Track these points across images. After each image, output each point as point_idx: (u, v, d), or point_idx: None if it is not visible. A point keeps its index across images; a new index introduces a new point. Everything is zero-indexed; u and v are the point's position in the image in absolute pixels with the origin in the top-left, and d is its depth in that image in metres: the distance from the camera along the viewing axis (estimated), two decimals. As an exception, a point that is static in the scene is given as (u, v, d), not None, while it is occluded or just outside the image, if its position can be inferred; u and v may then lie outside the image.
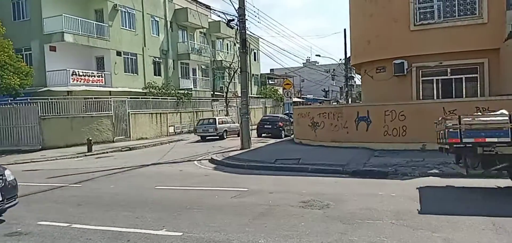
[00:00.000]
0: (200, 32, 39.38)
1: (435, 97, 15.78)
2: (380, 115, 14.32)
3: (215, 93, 39.20)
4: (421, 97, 15.97)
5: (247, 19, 17.66)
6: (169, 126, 28.89)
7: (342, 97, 67.58)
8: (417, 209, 6.61)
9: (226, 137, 24.52)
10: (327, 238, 5.37)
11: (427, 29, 15.39)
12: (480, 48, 14.57)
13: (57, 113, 21.35)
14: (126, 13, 29.91)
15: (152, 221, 6.55)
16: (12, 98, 21.20)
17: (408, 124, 13.77)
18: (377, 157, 12.44)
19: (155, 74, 32.77)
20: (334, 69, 63.54)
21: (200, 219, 6.56)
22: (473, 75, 15.39)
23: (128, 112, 24.58)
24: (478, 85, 15.29)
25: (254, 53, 49.34)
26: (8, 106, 20.93)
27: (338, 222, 6.11)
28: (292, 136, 20.76)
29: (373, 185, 8.95)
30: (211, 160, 14.42)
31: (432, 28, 15.31)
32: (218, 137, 24.09)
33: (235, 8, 17.53)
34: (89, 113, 22.67)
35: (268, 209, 7.06)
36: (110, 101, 23.76)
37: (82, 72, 26.09)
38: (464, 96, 15.27)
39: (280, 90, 46.75)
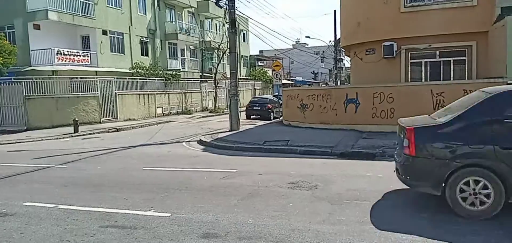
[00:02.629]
0: (188, 12, 38.80)
1: (423, 80, 15.90)
2: (368, 97, 14.37)
3: (204, 74, 38.88)
4: (409, 80, 16.07)
5: (236, -1, 17.41)
6: (157, 107, 28.63)
7: (331, 79, 67.79)
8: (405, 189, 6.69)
9: None
10: (315, 218, 5.40)
11: (417, 11, 15.39)
12: (469, 31, 14.67)
13: (42, 93, 20.94)
14: (112, -9, 29.26)
15: (140, 202, 6.51)
16: (-5, 78, 20.72)
17: (396, 106, 13.85)
18: (365, 139, 12.53)
19: (142, 54, 32.29)
20: (323, 51, 63.63)
21: (189, 200, 6.54)
22: (461, 58, 15.52)
23: (115, 93, 24.22)
24: (466, 68, 15.43)
25: (244, 34, 48.96)
26: (-9, 85, 20.46)
27: (326, 202, 6.15)
28: (281, 118, 20.77)
29: (361, 166, 9.03)
30: (200, 142, 14.36)
31: (422, 10, 15.33)
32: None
33: (224, -13, 17.27)
34: (75, 93, 22.28)
35: (256, 190, 7.07)
36: (97, 81, 23.36)
37: (67, 51, 25.55)
38: (452, 78, 15.41)
39: (270, 72, 46.66)
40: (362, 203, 6.03)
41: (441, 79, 15.47)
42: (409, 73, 16.22)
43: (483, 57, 14.91)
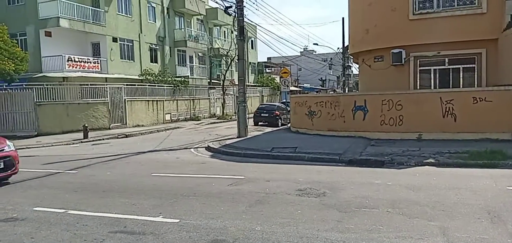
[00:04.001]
0: (197, 19, 39.10)
1: (432, 87, 15.80)
2: (377, 104, 14.32)
3: (212, 81, 39.05)
4: (418, 87, 15.99)
5: (245, 6, 17.52)
6: (166, 114, 28.81)
7: (339, 86, 67.58)
8: (414, 198, 6.64)
9: None
10: (323, 226, 5.38)
11: (426, 18, 15.35)
12: (479, 38, 14.57)
13: (53, 99, 21.21)
14: (123, -1, 29.62)
15: (149, 207, 6.55)
16: (7, 84, 21.00)
17: (405, 113, 13.79)
18: (374, 146, 12.47)
19: (151, 61, 32.56)
20: (331, 58, 63.55)
21: (197, 206, 6.56)
22: (471, 65, 15.40)
23: (125, 99, 24.45)
24: (476, 75, 15.32)
25: (252, 41, 49.14)
26: (3, 91, 20.76)
27: (334, 210, 6.13)
28: (289, 124, 20.77)
29: (370, 174, 8.98)
30: (208, 148, 14.41)
31: (430, 18, 15.28)
32: None
33: (233, -5, 17.39)
34: (85, 99, 22.53)
35: (264, 197, 7.07)
36: (106, 87, 23.61)
37: (78, 58, 25.87)
38: (461, 86, 15.29)
39: (277, 79, 46.66)
40: (370, 211, 6.00)
41: (450, 86, 15.37)
42: (418, 80, 16.14)
43: (493, 65, 14.79)
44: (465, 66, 15.47)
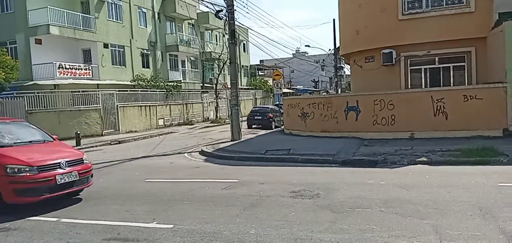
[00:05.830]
0: (189, 23, 39.05)
1: (423, 86, 15.94)
2: (369, 104, 14.41)
3: (205, 85, 39.02)
4: (409, 86, 16.12)
5: (235, 10, 17.56)
6: (159, 119, 28.71)
7: (331, 87, 67.84)
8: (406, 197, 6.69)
9: None
10: (317, 227, 5.41)
11: (415, 18, 15.48)
12: (468, 37, 14.73)
13: (44, 107, 21.05)
14: (113, 4, 29.48)
15: (143, 214, 6.52)
16: (-3, 93, 20.82)
17: (397, 113, 13.89)
18: (367, 146, 12.54)
19: (143, 66, 32.45)
20: (323, 60, 63.76)
21: (191, 211, 6.55)
22: (461, 64, 15.56)
23: (117, 105, 24.32)
24: (466, 73, 15.47)
25: (244, 44, 49.18)
26: (-6, 100, 20.55)
27: (328, 211, 6.15)
28: (282, 127, 20.81)
29: (363, 174, 9.03)
30: (202, 152, 14.38)
31: (420, 18, 15.41)
32: None
33: (223, -1, 17.42)
34: (77, 106, 22.38)
35: (258, 199, 7.08)
36: (98, 94, 23.47)
37: (69, 65, 25.70)
38: (451, 84, 15.44)
39: (270, 81, 46.77)
40: (364, 211, 6.03)
41: (441, 85, 15.51)
42: (409, 79, 16.26)
43: (482, 63, 14.96)
44: (455, 64, 15.62)
